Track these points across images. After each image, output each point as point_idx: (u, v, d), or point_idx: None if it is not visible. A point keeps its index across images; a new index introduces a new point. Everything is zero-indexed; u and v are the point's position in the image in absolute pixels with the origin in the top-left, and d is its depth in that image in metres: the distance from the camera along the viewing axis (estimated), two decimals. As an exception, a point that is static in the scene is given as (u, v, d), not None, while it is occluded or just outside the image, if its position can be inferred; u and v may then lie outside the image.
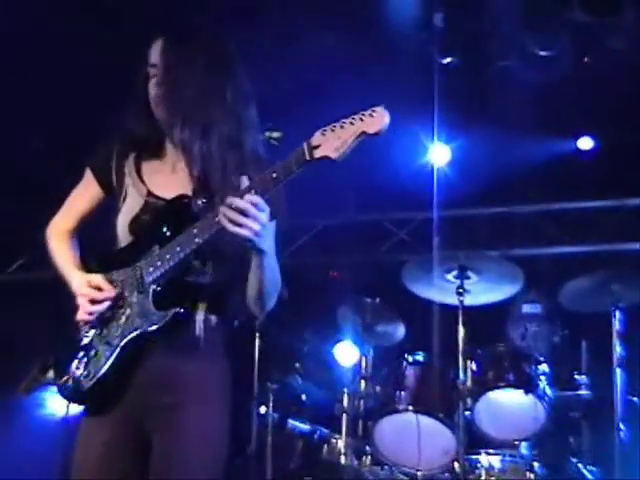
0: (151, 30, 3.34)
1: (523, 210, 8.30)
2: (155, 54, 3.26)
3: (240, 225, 2.91)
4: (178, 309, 3.09)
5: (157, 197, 3.24)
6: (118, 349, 3.12)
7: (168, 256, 3.09)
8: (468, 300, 6.30)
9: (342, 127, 2.89)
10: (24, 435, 7.16)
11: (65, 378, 3.19)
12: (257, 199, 2.91)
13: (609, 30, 6.84)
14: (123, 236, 3.26)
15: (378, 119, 2.86)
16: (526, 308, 6.76)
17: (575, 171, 7.95)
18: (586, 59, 7.25)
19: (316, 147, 2.90)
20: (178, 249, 3.08)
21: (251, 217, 2.90)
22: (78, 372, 3.16)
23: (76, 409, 3.36)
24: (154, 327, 3.09)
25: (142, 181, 3.29)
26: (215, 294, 3.20)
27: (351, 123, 2.88)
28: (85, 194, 3.45)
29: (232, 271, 3.19)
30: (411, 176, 7.26)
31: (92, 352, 3.17)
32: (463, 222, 8.15)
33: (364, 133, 2.87)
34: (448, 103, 6.56)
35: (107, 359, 3.12)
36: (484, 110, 7.42)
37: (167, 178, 3.28)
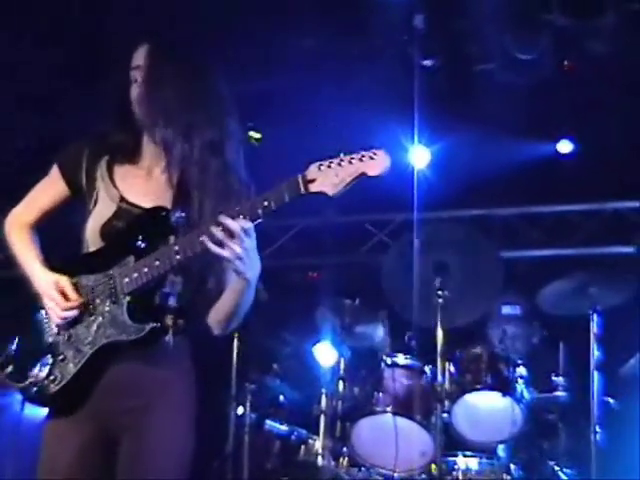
0: (134, 36, 3.36)
1: (502, 213, 8.32)
2: (140, 57, 3.27)
3: (223, 246, 2.91)
4: (155, 324, 3.07)
5: (131, 204, 3.21)
6: (88, 356, 3.10)
7: (145, 269, 3.07)
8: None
9: (340, 165, 2.88)
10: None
11: (28, 381, 3.16)
12: (248, 224, 2.92)
13: (589, 33, 6.86)
14: (92, 240, 3.22)
15: (379, 162, 2.87)
16: (505, 309, 6.78)
17: (554, 174, 7.97)
18: (566, 62, 7.27)
19: (311, 181, 2.89)
20: (157, 263, 3.06)
21: (237, 240, 2.90)
22: (42, 375, 3.14)
23: (35, 409, 3.34)
24: (129, 338, 3.07)
25: (115, 186, 3.25)
26: (184, 304, 3.16)
27: (350, 162, 2.88)
28: (50, 190, 3.39)
29: (202, 285, 3.18)
30: (391, 177, 7.23)
31: (59, 357, 3.14)
32: (443, 224, 8.16)
33: (364, 174, 2.87)
34: (428, 105, 6.55)
35: (75, 365, 3.11)
36: (464, 112, 7.42)
37: (142, 184, 3.25)
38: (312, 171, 2.90)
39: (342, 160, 2.89)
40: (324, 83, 6.96)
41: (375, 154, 2.87)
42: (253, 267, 3.02)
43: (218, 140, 3.19)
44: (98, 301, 3.15)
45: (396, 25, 6.96)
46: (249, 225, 2.93)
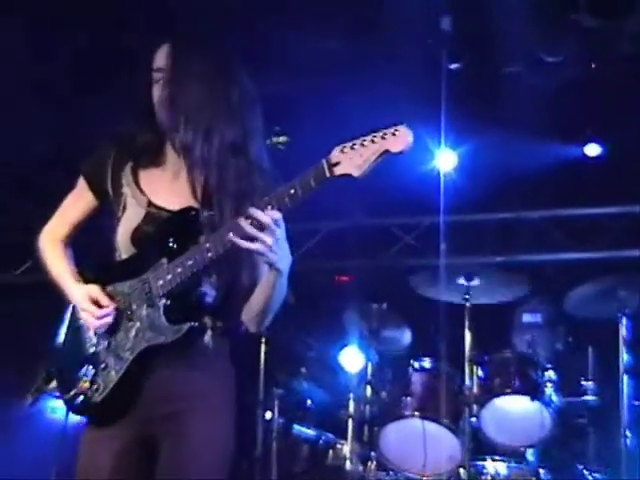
0: (153, 38, 3.34)
1: (529, 216, 8.28)
2: (161, 58, 3.26)
3: (254, 240, 2.91)
4: (193, 323, 3.08)
5: (159, 207, 3.21)
6: (129, 362, 3.11)
7: (179, 270, 3.07)
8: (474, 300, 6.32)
9: (363, 145, 2.88)
10: (25, 441, 7.17)
11: (73, 392, 3.17)
12: (277, 214, 2.91)
13: (617, 35, 6.83)
14: (124, 247, 3.23)
15: (401, 138, 2.85)
16: (526, 317, 6.76)
17: (582, 177, 7.93)
18: (593, 64, 7.23)
19: (335, 164, 2.88)
20: (190, 263, 3.06)
21: (268, 231, 2.90)
22: (86, 385, 3.15)
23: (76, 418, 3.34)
24: (168, 340, 3.07)
25: (141, 191, 3.25)
26: (221, 304, 3.18)
27: (372, 141, 2.87)
28: (79, 202, 3.41)
29: (235, 281, 3.17)
30: (418, 181, 7.24)
31: (101, 365, 3.16)
32: (469, 227, 8.14)
33: (387, 152, 2.86)
34: (455, 108, 6.54)
35: (117, 372, 3.11)
36: (491, 115, 7.40)
37: (168, 187, 3.25)
38: (335, 154, 2.89)
39: (364, 140, 2.88)
40: (350, 86, 6.95)
41: (397, 130, 2.86)
42: (285, 257, 3.01)
43: (240, 140, 3.18)
44: (135, 306, 3.15)
45: (422, 28, 6.95)
46: (278, 215, 2.91)
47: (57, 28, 6.60)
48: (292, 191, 2.91)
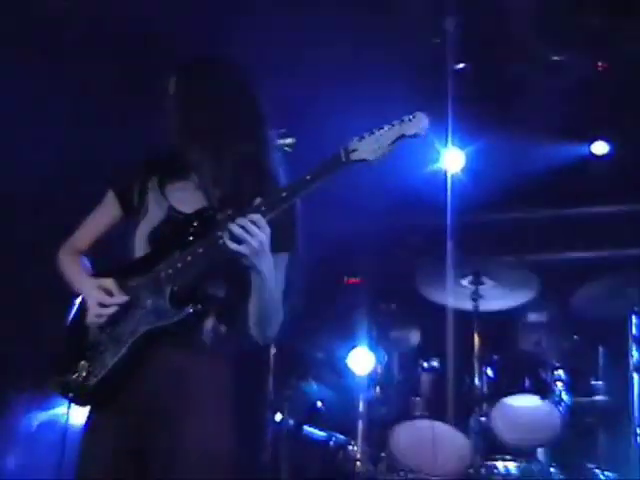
0: (172, 62, 3.47)
1: (537, 215, 8.28)
2: (172, 84, 3.39)
3: (239, 242, 2.97)
4: (196, 306, 3.11)
5: (179, 212, 3.28)
6: (128, 345, 3.13)
7: (189, 258, 3.12)
8: (483, 306, 6.29)
9: (381, 131, 2.99)
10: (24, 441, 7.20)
11: (72, 376, 3.19)
12: (257, 217, 2.99)
13: (623, 34, 6.83)
14: (140, 247, 3.28)
15: (417, 122, 2.99)
16: (532, 317, 6.73)
17: (589, 176, 7.92)
18: (600, 63, 7.22)
19: (353, 151, 2.99)
20: (200, 250, 3.11)
21: (250, 234, 2.97)
22: (84, 369, 3.18)
23: (77, 416, 3.36)
24: (166, 322, 3.10)
25: (165, 197, 3.32)
26: (226, 307, 3.22)
27: (390, 128, 3.00)
28: (104, 216, 3.48)
29: (244, 291, 3.20)
30: (425, 181, 7.25)
31: (100, 349, 3.18)
32: (477, 228, 8.13)
33: (403, 136, 2.98)
34: (462, 108, 6.55)
35: (115, 355, 3.14)
36: (498, 115, 7.40)
37: (190, 196, 3.31)
38: (353, 142, 3.01)
39: (382, 127, 3.01)
40: (356, 87, 6.95)
41: (413, 116, 3.00)
42: (265, 260, 3.06)
43: (254, 154, 3.25)
44: (142, 295, 3.19)
45: (427, 28, 6.96)
46: (257, 217, 2.99)
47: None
48: (308, 177, 3.02)
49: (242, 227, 2.98)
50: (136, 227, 3.32)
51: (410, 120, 2.98)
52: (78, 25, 6.50)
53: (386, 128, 2.99)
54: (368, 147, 2.98)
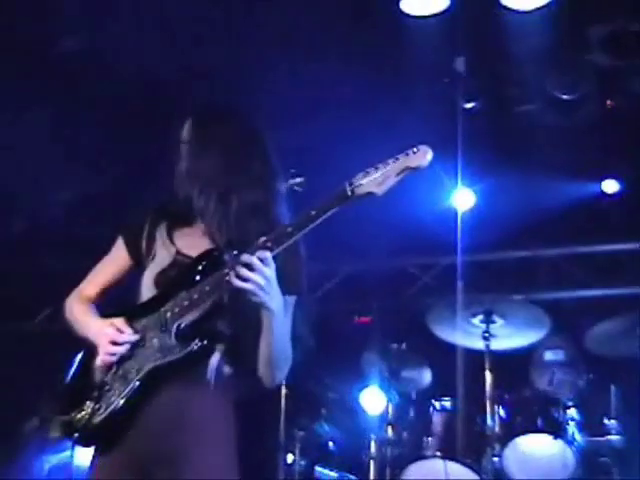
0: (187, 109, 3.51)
1: (548, 254, 8.27)
2: (185, 132, 3.42)
3: (246, 280, 2.98)
4: (202, 342, 3.11)
5: (185, 255, 3.29)
6: (134, 383, 3.13)
7: (196, 296, 3.13)
8: (494, 345, 6.27)
9: (385, 165, 3.01)
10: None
11: (77, 415, 3.19)
12: (264, 254, 2.99)
13: (631, 72, 6.85)
14: (147, 290, 3.29)
15: (421, 154, 3.00)
16: (549, 355, 6.70)
17: (600, 214, 7.92)
18: (609, 102, 7.24)
19: (359, 186, 3.00)
20: (207, 288, 3.11)
21: (256, 271, 2.97)
22: (89, 409, 3.17)
23: (85, 459, 3.34)
24: (172, 358, 3.10)
25: (172, 243, 3.34)
26: (233, 346, 3.21)
27: (394, 161, 3.01)
28: (112, 263, 3.49)
29: (251, 330, 3.18)
30: (435, 220, 7.26)
31: (105, 388, 3.18)
32: (488, 266, 8.13)
33: (407, 168, 2.99)
34: (472, 147, 6.56)
35: (121, 393, 3.13)
36: (508, 154, 7.42)
37: (197, 241, 3.32)
38: (358, 177, 3.02)
39: (387, 161, 3.02)
40: (366, 127, 6.99)
41: (417, 149, 3.01)
42: (275, 297, 3.06)
43: (263, 201, 3.27)
44: (149, 335, 3.19)
45: (437, 68, 6.99)
46: (265, 254, 2.99)
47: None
48: (313, 213, 3.01)
49: (247, 264, 2.98)
50: (144, 272, 3.34)
51: (414, 153, 3.00)
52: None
53: (390, 162, 3.01)
54: (375, 181, 2.99)
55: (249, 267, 2.98)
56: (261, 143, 3.39)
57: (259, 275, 2.97)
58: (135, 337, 3.19)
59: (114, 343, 3.18)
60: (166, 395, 3.13)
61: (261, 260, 2.98)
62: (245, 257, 2.98)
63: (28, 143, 6.81)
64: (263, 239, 3.03)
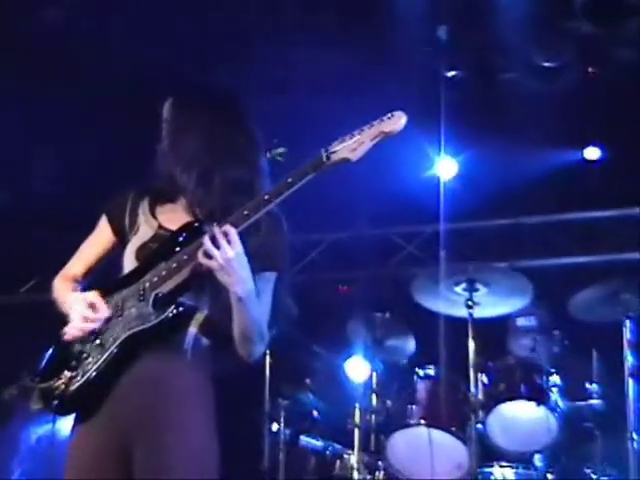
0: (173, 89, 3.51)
1: (531, 221, 8.29)
2: (166, 110, 3.43)
3: (210, 257, 2.99)
4: (179, 309, 3.11)
5: (167, 229, 3.29)
6: (111, 349, 3.13)
7: (174, 265, 3.13)
8: (477, 313, 6.30)
9: (361, 132, 3.05)
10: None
11: (55, 383, 3.18)
12: (228, 229, 3.00)
13: (613, 40, 6.85)
14: (128, 263, 3.29)
15: (395, 119, 3.04)
16: (520, 321, 6.73)
17: (582, 181, 7.94)
18: (591, 69, 7.25)
19: (334, 152, 3.04)
20: (185, 257, 3.12)
21: (219, 248, 2.98)
22: (66, 376, 3.17)
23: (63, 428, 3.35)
24: (148, 325, 3.11)
25: (154, 217, 3.34)
26: (209, 321, 3.20)
27: (369, 127, 3.05)
28: (96, 241, 3.48)
29: (226, 304, 3.16)
30: (419, 189, 7.26)
31: (83, 356, 3.18)
32: (471, 234, 8.15)
33: (382, 133, 3.02)
34: (454, 116, 6.56)
35: (98, 360, 3.13)
36: (490, 122, 7.42)
37: (179, 217, 3.31)
38: (334, 144, 3.06)
39: (362, 128, 3.06)
40: (348, 97, 6.97)
41: (392, 114, 3.05)
42: (241, 282, 3.05)
43: (247, 178, 3.25)
44: (127, 305, 3.19)
45: (419, 37, 6.98)
46: (228, 229, 3.01)
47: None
48: (289, 180, 3.05)
49: (213, 239, 2.98)
50: (126, 248, 3.34)
51: (389, 118, 3.03)
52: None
53: (365, 128, 3.04)
54: (349, 147, 3.02)
55: (214, 243, 2.98)
56: (243, 119, 3.38)
57: (220, 254, 2.98)
58: (107, 313, 3.18)
59: (85, 319, 3.18)
60: (143, 363, 3.13)
61: (225, 235, 2.98)
62: (214, 229, 3.00)
63: (12, 114, 6.79)
64: (242, 209, 3.04)
